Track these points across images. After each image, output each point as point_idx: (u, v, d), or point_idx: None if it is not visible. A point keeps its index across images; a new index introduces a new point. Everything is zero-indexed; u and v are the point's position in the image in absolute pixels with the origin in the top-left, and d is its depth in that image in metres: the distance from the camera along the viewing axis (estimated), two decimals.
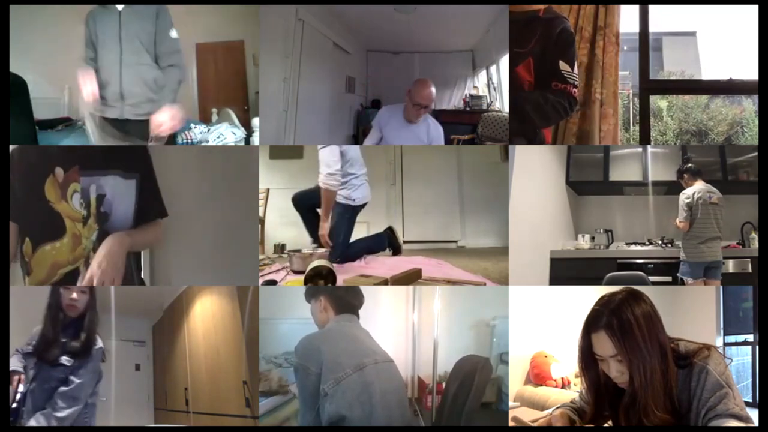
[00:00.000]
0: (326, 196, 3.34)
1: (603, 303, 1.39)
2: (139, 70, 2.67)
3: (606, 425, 1.53)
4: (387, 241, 4.02)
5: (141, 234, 1.91)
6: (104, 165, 1.84)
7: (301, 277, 2.66)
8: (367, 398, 1.64)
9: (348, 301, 1.91)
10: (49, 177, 1.78)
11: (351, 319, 1.88)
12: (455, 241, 5.58)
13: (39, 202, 1.79)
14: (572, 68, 2.48)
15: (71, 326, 1.95)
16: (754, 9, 2.68)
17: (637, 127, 3.59)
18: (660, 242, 4.16)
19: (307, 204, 3.76)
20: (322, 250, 3.30)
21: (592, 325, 1.38)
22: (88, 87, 2.60)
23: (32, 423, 1.84)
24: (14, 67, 2.50)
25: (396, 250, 4.08)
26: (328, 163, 3.30)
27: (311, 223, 3.78)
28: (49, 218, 1.80)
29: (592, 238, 4.26)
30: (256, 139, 3.67)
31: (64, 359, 1.92)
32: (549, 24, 2.52)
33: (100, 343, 2.02)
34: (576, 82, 2.51)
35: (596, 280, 3.13)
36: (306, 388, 1.66)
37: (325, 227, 3.38)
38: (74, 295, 1.92)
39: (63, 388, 1.90)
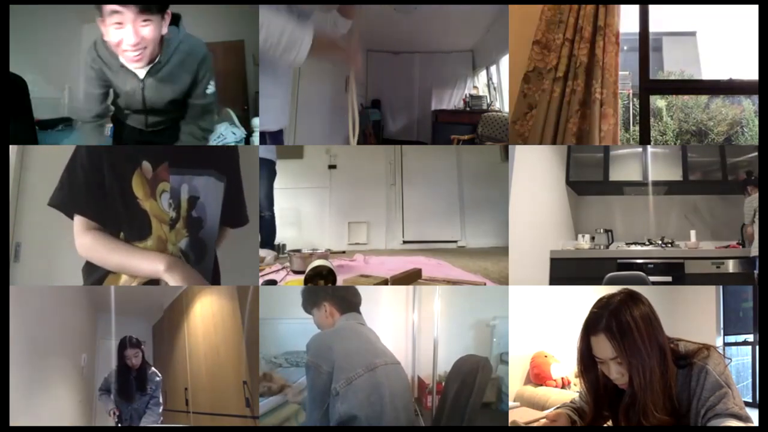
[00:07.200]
0: None
1: (601, 305, 1.39)
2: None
3: (606, 425, 1.54)
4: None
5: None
6: (196, 164, 1.66)
7: (301, 277, 2.66)
8: (377, 399, 1.64)
9: (349, 300, 1.91)
10: (136, 171, 1.59)
11: (357, 318, 1.88)
12: (455, 241, 5.57)
13: (127, 198, 1.59)
14: None
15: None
16: (754, 9, 2.68)
17: (637, 127, 3.59)
18: (660, 242, 4.16)
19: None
20: (321, 250, 3.30)
21: (591, 327, 1.38)
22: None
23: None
24: (14, 67, 2.50)
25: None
26: None
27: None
28: (137, 216, 1.60)
29: (592, 238, 4.26)
30: (256, 139, 3.66)
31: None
32: None
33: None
34: None
35: (596, 280, 3.12)
36: (316, 387, 1.65)
37: None
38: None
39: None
